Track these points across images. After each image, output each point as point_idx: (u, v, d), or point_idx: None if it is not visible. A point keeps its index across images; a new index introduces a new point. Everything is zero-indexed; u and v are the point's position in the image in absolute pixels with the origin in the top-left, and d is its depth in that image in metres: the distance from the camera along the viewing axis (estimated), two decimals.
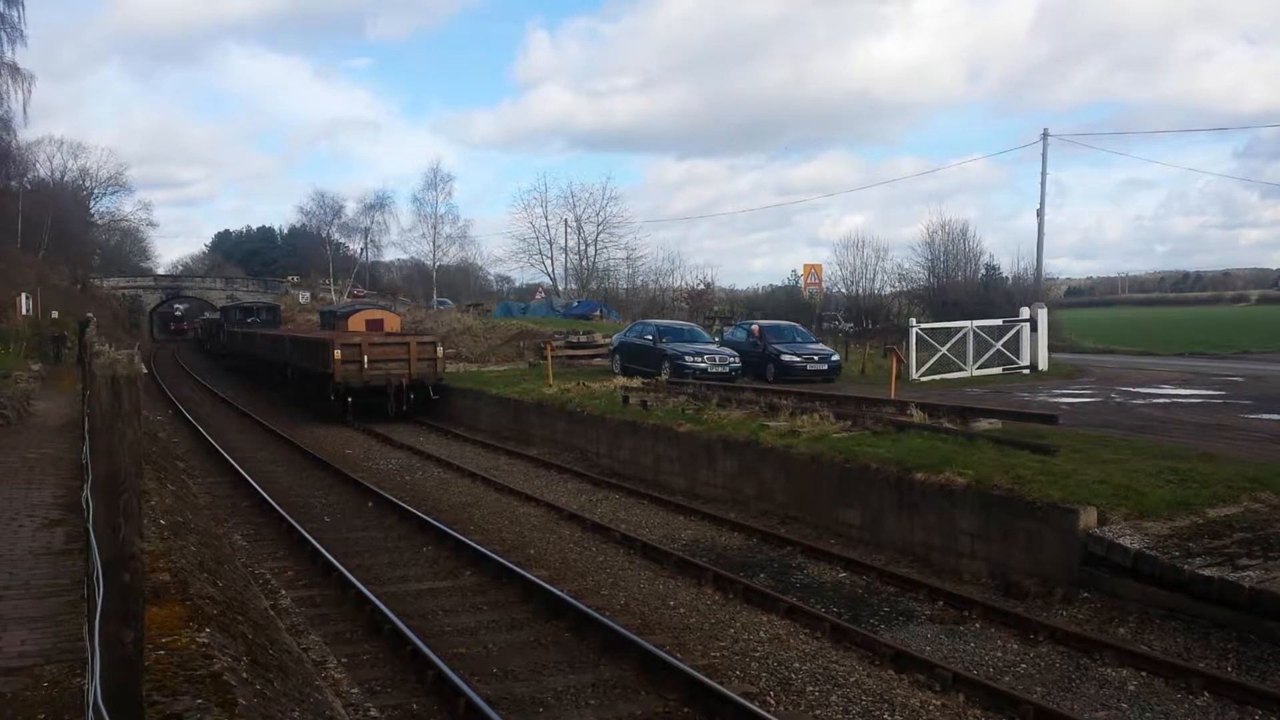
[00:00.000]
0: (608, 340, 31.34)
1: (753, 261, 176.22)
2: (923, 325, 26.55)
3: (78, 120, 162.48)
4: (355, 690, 7.58)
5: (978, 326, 26.23)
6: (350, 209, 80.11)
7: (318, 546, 11.96)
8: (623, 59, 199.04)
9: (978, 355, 25.80)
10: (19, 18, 38.54)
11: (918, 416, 14.59)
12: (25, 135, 50.17)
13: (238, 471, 17.91)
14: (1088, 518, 9.74)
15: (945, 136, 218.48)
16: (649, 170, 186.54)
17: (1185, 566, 8.63)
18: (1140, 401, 19.43)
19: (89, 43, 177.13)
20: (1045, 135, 40.02)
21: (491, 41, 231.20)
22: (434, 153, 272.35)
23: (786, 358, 24.65)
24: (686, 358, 23.97)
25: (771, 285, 62.69)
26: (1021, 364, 26.57)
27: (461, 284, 79.84)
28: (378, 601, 9.56)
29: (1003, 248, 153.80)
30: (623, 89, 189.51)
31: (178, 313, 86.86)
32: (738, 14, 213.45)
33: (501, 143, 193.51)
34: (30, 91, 39.83)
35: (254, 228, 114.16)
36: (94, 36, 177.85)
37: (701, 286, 55.90)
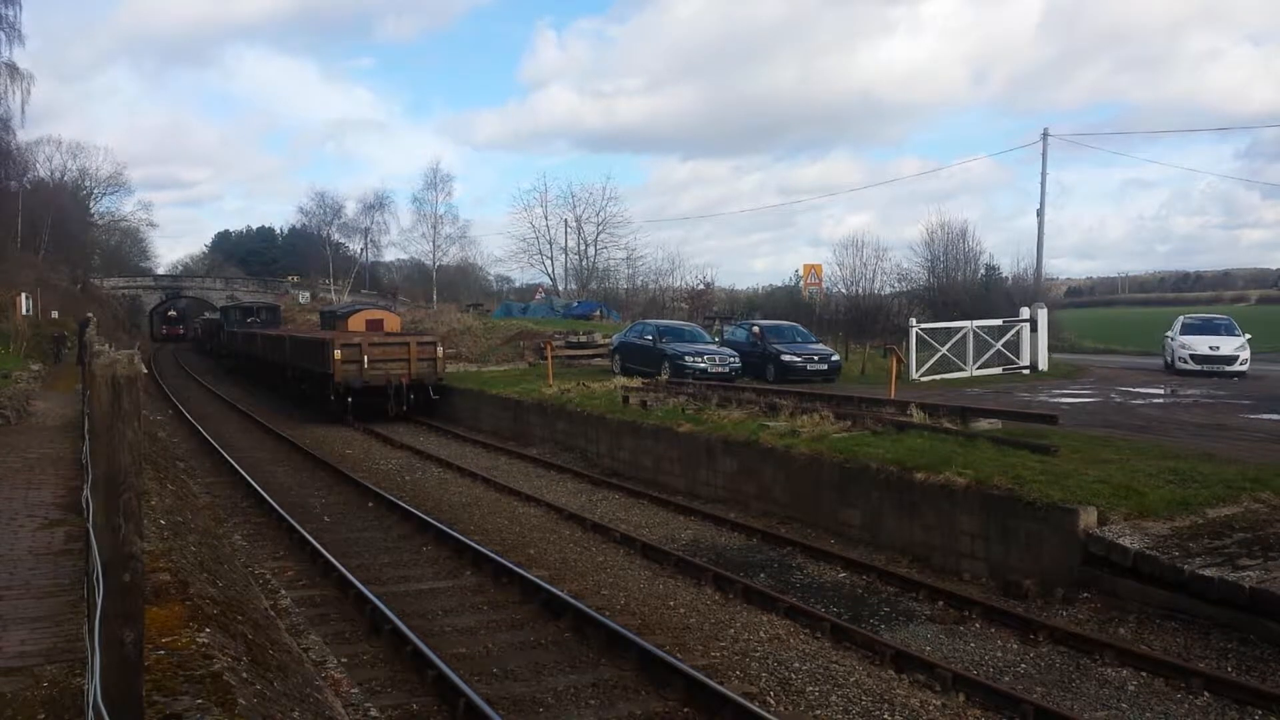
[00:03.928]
0: (608, 340, 31.34)
1: (754, 262, 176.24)
2: (923, 325, 26.56)
3: (85, 121, 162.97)
4: (355, 690, 7.58)
5: (978, 326, 26.24)
6: (350, 209, 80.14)
7: (318, 546, 11.96)
8: (629, 60, 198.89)
9: (978, 355, 25.81)
10: (16, 17, 38.66)
11: (918, 416, 14.59)
12: (25, 135, 50.24)
13: (238, 471, 17.91)
14: (1088, 518, 9.74)
15: (949, 137, 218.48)
16: (653, 171, 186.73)
17: (1185, 567, 8.62)
18: (1140, 401, 19.43)
19: (98, 44, 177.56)
20: (1045, 135, 40.09)
21: (498, 42, 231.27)
22: (439, 153, 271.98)
23: (786, 358, 24.67)
24: (686, 358, 23.98)
25: (772, 285, 62.78)
26: (1021, 364, 26.59)
27: (461, 284, 79.74)
28: (378, 601, 9.56)
29: (1005, 248, 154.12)
30: (629, 90, 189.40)
31: (173, 313, 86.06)
32: (745, 15, 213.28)
33: (506, 143, 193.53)
34: (29, 91, 39.93)
35: (254, 228, 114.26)
36: (103, 38, 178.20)
37: (701, 286, 55.89)
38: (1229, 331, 26.67)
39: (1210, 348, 25.74)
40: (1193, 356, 25.73)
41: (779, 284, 59.58)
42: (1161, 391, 21.37)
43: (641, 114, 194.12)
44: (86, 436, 9.34)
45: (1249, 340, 26.33)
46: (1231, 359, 25.28)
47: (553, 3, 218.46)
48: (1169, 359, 27.64)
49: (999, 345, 26.34)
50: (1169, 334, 27.92)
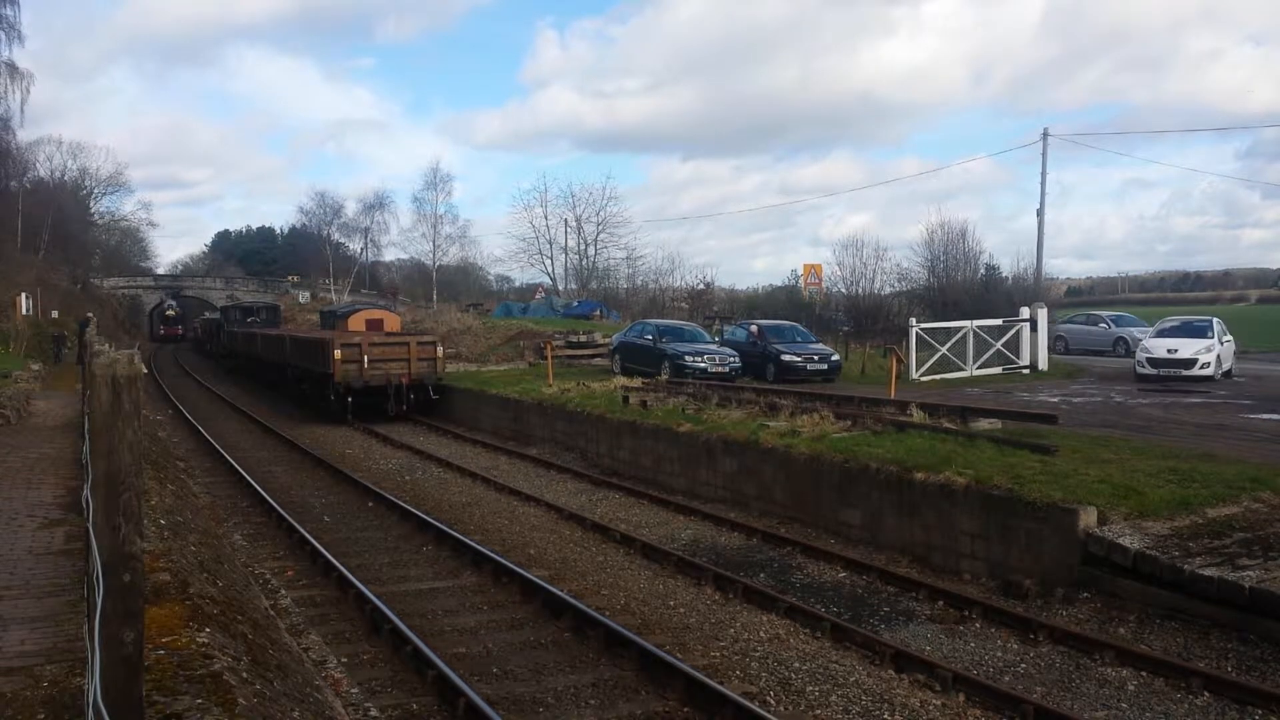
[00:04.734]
0: (608, 340, 31.36)
1: (754, 261, 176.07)
2: (923, 325, 26.55)
3: (86, 121, 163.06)
4: (355, 690, 7.59)
5: (978, 326, 26.23)
6: (350, 209, 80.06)
7: (318, 546, 11.97)
8: (630, 60, 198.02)
9: (978, 355, 25.80)
10: (16, 17, 38.73)
11: (918, 416, 14.59)
12: (25, 135, 50.31)
13: (238, 471, 17.92)
14: (1088, 518, 9.75)
15: (949, 137, 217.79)
16: (654, 171, 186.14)
17: (1185, 566, 8.63)
18: (1140, 401, 19.42)
19: (99, 44, 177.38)
20: (1045, 135, 40.15)
21: (498, 42, 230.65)
22: (439, 153, 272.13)
23: (786, 358, 24.68)
24: (686, 357, 23.99)
25: (771, 285, 62.62)
26: (1021, 364, 26.58)
27: (461, 284, 79.74)
28: (378, 601, 9.57)
29: (1005, 248, 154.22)
30: (629, 90, 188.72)
31: (172, 313, 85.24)
32: (746, 16, 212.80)
33: (507, 143, 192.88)
34: (29, 91, 40.07)
35: (254, 227, 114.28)
36: (103, 38, 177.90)
37: (701, 286, 55.88)
38: (1204, 334, 24.32)
39: (1168, 350, 23.58)
40: (1149, 360, 23.61)
41: (779, 284, 59.47)
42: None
43: (642, 114, 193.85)
44: (86, 436, 9.34)
45: (1229, 342, 24.69)
46: (1190, 362, 23.03)
47: (553, 3, 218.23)
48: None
49: (999, 345, 26.34)
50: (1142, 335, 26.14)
